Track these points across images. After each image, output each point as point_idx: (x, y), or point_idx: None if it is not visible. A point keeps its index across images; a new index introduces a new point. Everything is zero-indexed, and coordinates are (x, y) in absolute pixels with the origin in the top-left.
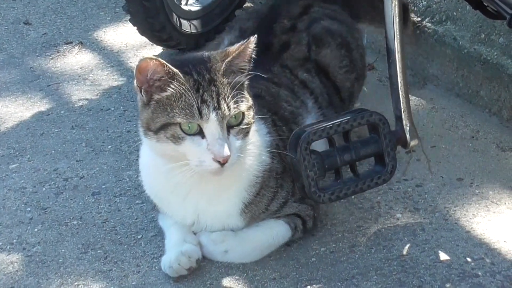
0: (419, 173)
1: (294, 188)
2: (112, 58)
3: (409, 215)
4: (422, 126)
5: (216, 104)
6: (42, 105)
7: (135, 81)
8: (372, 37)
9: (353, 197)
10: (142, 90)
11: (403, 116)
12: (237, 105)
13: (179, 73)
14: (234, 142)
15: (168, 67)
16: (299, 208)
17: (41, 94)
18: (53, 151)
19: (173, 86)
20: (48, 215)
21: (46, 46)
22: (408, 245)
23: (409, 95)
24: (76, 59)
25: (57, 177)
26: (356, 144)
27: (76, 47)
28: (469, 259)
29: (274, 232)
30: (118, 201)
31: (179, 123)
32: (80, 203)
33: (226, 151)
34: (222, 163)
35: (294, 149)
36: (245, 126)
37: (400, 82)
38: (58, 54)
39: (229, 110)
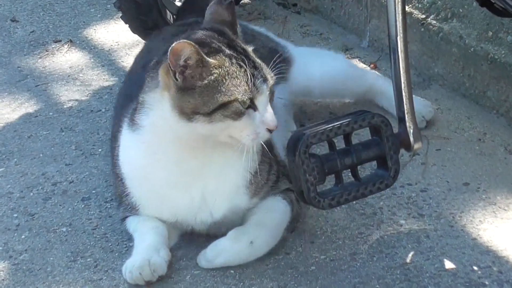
0: (423, 177)
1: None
2: (103, 57)
3: (413, 222)
4: (426, 128)
5: (264, 75)
6: (29, 106)
7: (166, 65)
8: (374, 35)
9: (354, 202)
10: (177, 74)
11: (406, 118)
12: (273, 73)
13: (218, 55)
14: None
15: (201, 55)
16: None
17: (28, 94)
18: (41, 155)
19: (216, 71)
20: (35, 222)
21: (34, 45)
22: (412, 253)
23: (413, 96)
24: (66, 58)
25: (45, 182)
26: (357, 147)
27: (66, 46)
28: (475, 268)
29: (277, 208)
30: (109, 206)
31: (237, 99)
32: (69, 209)
33: (276, 119)
34: (272, 131)
35: (292, 152)
36: (273, 93)
37: (404, 82)
38: (47, 53)
39: (272, 79)
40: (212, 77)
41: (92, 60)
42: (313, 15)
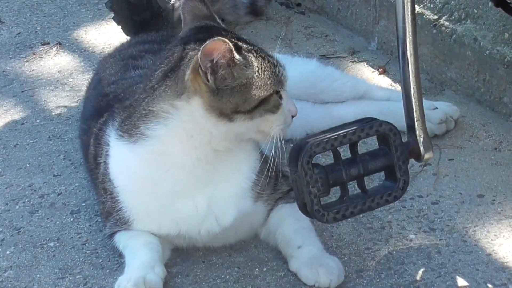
0: (435, 189)
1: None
2: (94, 61)
3: (424, 236)
4: (438, 137)
5: (281, 63)
6: (15, 113)
7: (195, 68)
8: (383, 37)
9: (361, 216)
10: (208, 75)
11: (416, 126)
12: None
13: (241, 51)
14: None
15: (233, 52)
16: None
17: (14, 100)
18: (27, 165)
19: (248, 67)
20: (21, 236)
21: (21, 47)
22: (422, 270)
23: (423, 102)
24: (54, 61)
25: (32, 194)
26: (364, 157)
27: (54, 48)
28: (490, 285)
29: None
30: (100, 220)
31: (275, 91)
32: (57, 222)
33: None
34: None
35: (295, 162)
36: None
37: (413, 87)
38: (34, 56)
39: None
40: (248, 74)
41: (82, 63)
42: (318, 15)
